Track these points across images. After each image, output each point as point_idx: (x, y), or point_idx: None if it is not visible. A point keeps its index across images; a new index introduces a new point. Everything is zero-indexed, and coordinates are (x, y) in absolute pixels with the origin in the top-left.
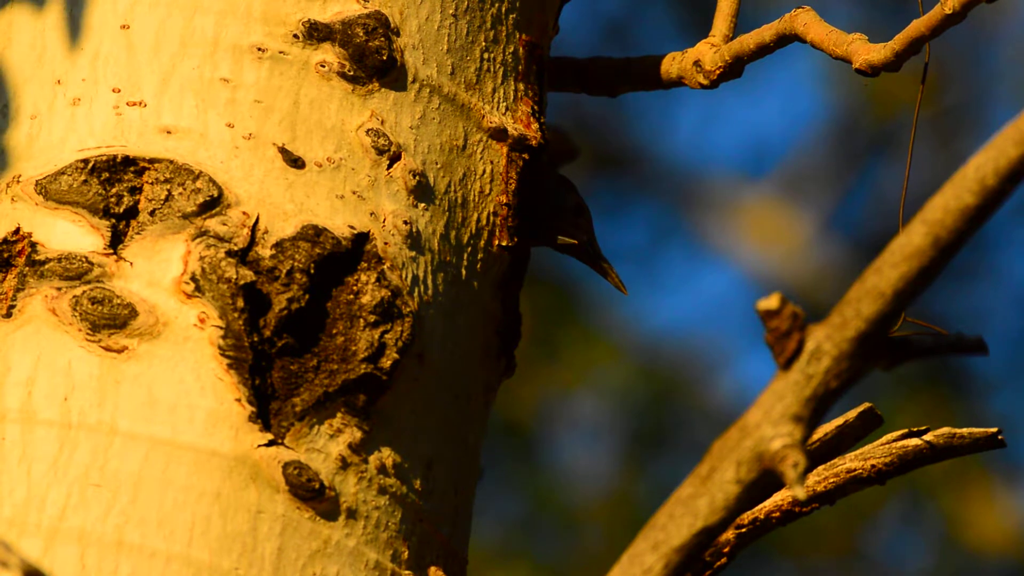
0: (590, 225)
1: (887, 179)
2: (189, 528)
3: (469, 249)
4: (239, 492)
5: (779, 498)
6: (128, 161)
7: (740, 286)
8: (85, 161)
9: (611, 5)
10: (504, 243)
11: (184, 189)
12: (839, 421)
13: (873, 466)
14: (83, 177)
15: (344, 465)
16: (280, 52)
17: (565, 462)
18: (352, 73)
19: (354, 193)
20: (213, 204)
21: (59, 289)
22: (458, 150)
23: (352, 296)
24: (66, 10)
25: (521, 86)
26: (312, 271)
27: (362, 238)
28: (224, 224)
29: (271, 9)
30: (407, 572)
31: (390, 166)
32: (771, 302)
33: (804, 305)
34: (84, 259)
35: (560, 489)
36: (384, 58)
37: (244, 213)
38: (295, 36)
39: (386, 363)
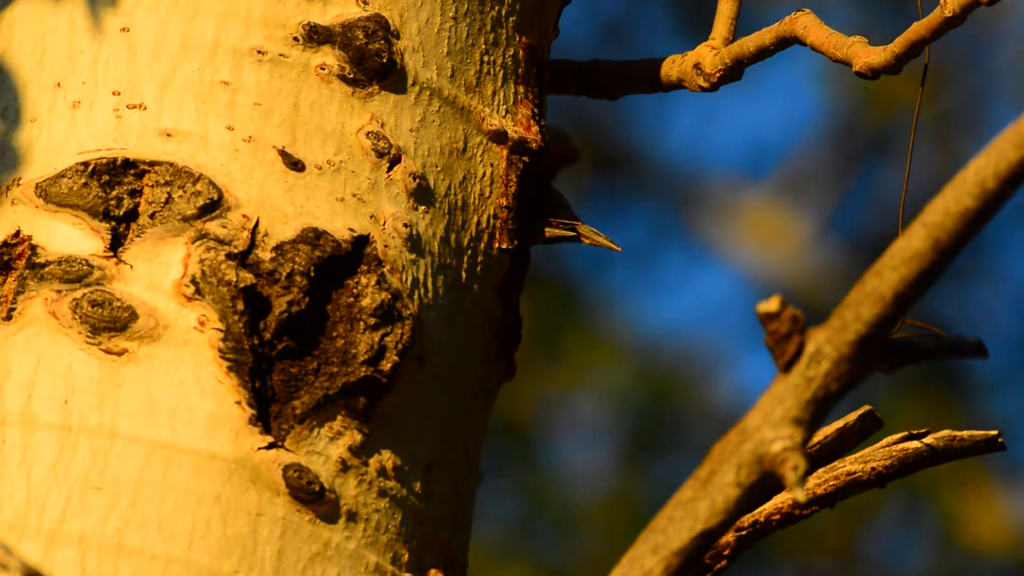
0: (563, 198)
1: (887, 180)
2: (189, 531)
3: (469, 252)
4: (239, 495)
5: (779, 501)
6: (128, 164)
7: (740, 287)
8: (85, 164)
9: (611, 8)
10: (504, 246)
11: (184, 192)
12: (839, 424)
13: (873, 469)
14: (83, 180)
15: (344, 468)
16: (280, 55)
17: (565, 462)
18: (352, 76)
19: (354, 196)
20: (213, 207)
21: (59, 292)
22: (458, 153)
23: (352, 299)
24: (66, 13)
25: (521, 89)
26: (312, 274)
27: (362, 241)
28: (224, 227)
29: (271, 12)
30: (407, 575)
31: (390, 169)
32: (771, 305)
33: (803, 307)
34: (84, 262)
35: (560, 489)
36: (384, 61)
37: (244, 216)
38: (295, 39)
39: (386, 366)
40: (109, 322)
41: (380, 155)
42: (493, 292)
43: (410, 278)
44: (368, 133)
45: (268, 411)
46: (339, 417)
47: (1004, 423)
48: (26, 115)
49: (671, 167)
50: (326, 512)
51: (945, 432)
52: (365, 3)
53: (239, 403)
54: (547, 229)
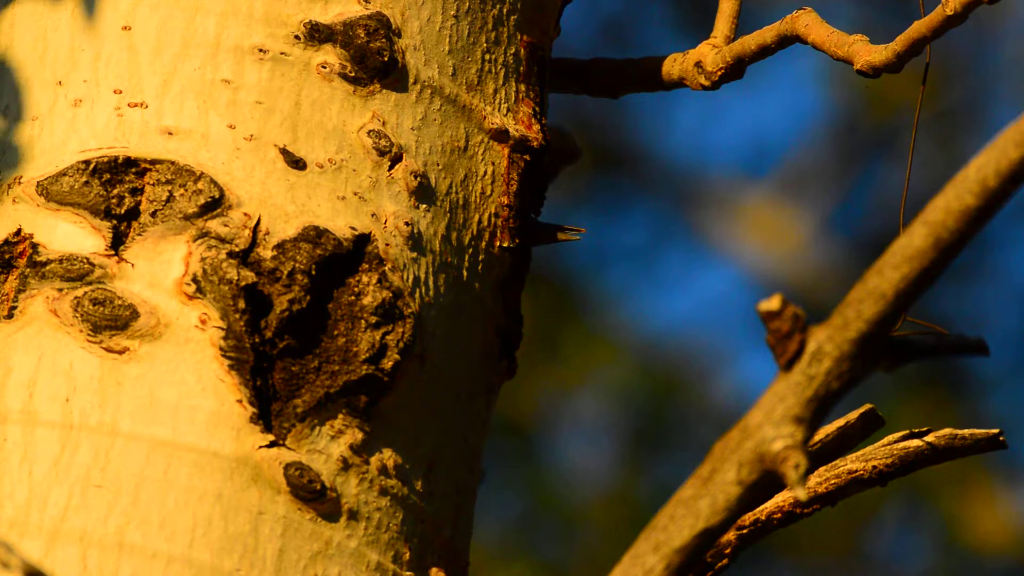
0: None
1: (888, 179)
2: (190, 529)
3: (470, 250)
4: (240, 493)
5: (780, 499)
6: (129, 162)
7: (740, 286)
8: (86, 162)
9: (612, 6)
10: (505, 244)
11: (185, 190)
12: (840, 422)
13: (874, 467)
14: (84, 178)
15: (345, 466)
16: (281, 53)
17: (565, 462)
18: (353, 74)
19: (355, 194)
20: (214, 205)
21: (60, 290)
22: (459, 151)
23: (353, 297)
24: (67, 11)
25: (522, 87)
26: (313, 272)
27: (363, 239)
28: (225, 225)
29: (272, 10)
30: (408, 573)
31: (391, 167)
32: (772, 303)
33: (804, 305)
34: (85, 260)
35: (561, 487)
36: (385, 59)
37: (245, 214)
38: (296, 37)
39: (387, 364)
40: (110, 320)
41: (381, 153)
42: (494, 290)
43: (411, 276)
44: (369, 131)
45: (269, 409)
46: (340, 416)
47: (1005, 421)
48: (27, 113)
49: (672, 165)
50: (327, 511)
51: (946, 430)
52: (366, 1)
53: (240, 401)
54: (559, 233)
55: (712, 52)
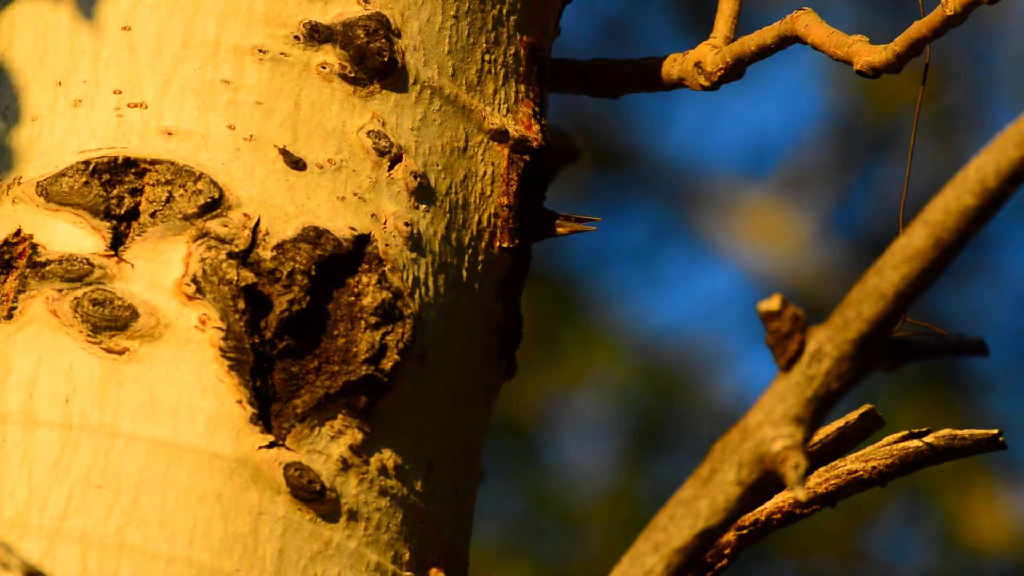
0: None
1: (888, 179)
2: (190, 529)
3: (470, 251)
4: (240, 494)
5: (780, 499)
6: (129, 163)
7: (740, 286)
8: (86, 163)
9: (611, 6)
10: (505, 245)
11: (185, 191)
12: (840, 423)
13: (874, 467)
14: (84, 179)
15: (345, 467)
16: (281, 53)
17: (565, 462)
18: (353, 75)
19: (355, 195)
20: (214, 206)
21: (60, 291)
22: (459, 152)
23: (353, 298)
24: (67, 11)
25: (522, 87)
26: (313, 272)
27: (363, 240)
28: (225, 226)
29: (272, 10)
30: (408, 574)
31: (391, 168)
32: (772, 303)
33: (804, 305)
34: (85, 261)
35: (561, 488)
36: (385, 60)
37: (245, 215)
38: (296, 37)
39: (387, 365)
40: (110, 321)
41: (381, 154)
42: (494, 291)
43: (411, 277)
44: (369, 132)
45: (269, 410)
46: (340, 416)
47: (1005, 421)
48: (27, 114)
49: (672, 165)
50: (327, 511)
51: (946, 431)
52: (366, 2)
53: (240, 402)
54: (559, 223)
55: (712, 52)
